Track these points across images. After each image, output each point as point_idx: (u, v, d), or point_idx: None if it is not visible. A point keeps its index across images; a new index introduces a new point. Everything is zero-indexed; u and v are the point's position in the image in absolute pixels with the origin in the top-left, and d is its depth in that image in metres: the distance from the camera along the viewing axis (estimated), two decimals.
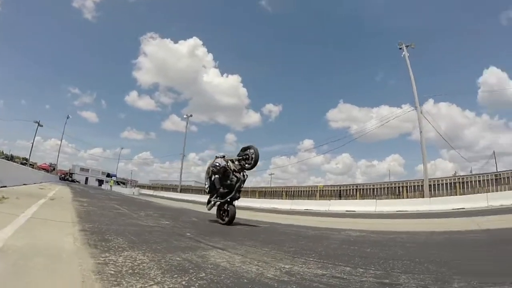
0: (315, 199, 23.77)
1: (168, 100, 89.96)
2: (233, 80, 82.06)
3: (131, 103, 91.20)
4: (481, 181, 18.75)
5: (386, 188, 22.04)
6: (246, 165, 6.98)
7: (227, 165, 6.98)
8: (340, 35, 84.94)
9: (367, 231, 6.20)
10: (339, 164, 73.67)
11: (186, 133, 45.11)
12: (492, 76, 50.87)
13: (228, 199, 6.83)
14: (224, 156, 7.23)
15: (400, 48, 22.27)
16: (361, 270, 2.59)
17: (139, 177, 78.36)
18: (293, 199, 25.00)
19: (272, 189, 30.77)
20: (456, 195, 18.50)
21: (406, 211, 15.39)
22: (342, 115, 72.68)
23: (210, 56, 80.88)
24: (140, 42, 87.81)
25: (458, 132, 60.07)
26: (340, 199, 22.55)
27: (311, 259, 3.14)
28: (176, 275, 2.14)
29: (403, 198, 20.16)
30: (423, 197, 18.62)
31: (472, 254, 3.44)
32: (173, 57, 78.89)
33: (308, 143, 67.96)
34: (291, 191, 28.00)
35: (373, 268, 2.65)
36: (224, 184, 6.89)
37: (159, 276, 2.07)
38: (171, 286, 1.88)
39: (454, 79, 64.81)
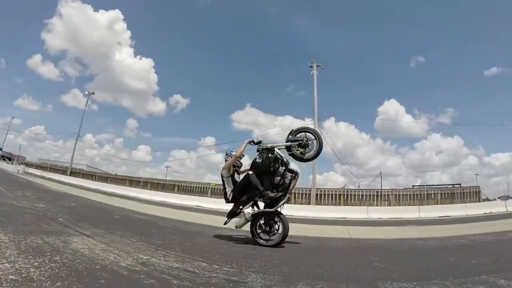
0: (207, 196, 24.38)
1: (74, 72, 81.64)
2: (146, 63, 78.29)
3: (33, 68, 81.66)
4: (365, 196, 22.70)
5: None
6: (304, 156, 5.03)
7: (277, 153, 4.96)
8: (262, 41, 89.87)
9: (246, 231, 6.64)
10: None
11: (84, 112, 41.37)
12: (391, 107, 61.32)
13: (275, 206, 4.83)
14: (260, 142, 5.12)
15: (311, 66, 24.94)
16: (216, 266, 2.88)
17: (28, 153, 68.76)
18: (185, 194, 25.68)
19: (165, 182, 31.32)
20: (340, 205, 21.58)
21: (291, 215, 17.02)
22: (248, 118, 76.23)
23: (128, 34, 75.55)
24: (57, 1, 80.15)
25: (353, 150, 68.93)
26: None
27: (173, 252, 3.35)
28: (31, 256, 2.32)
29: (290, 203, 22.30)
30: (310, 204, 20.93)
31: (330, 260, 3.94)
32: (90, 26, 71.78)
33: (209, 140, 68.98)
34: (183, 186, 29.09)
35: (229, 266, 2.96)
36: (273, 184, 4.92)
37: (13, 256, 2.26)
38: (22, 266, 2.05)
39: (359, 104, 75.33)
